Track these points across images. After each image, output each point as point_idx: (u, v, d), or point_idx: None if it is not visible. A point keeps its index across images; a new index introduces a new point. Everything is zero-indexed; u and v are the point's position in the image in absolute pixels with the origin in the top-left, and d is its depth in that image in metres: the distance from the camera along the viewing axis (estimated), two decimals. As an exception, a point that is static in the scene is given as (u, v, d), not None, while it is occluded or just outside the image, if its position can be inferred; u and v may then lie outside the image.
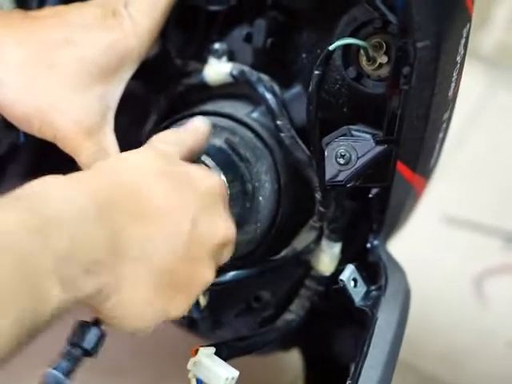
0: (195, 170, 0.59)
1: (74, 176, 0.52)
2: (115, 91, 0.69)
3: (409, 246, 1.37)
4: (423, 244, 1.52)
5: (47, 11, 0.69)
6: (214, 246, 0.57)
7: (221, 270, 0.75)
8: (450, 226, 1.58)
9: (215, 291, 0.76)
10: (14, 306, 0.42)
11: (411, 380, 1.30)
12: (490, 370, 1.34)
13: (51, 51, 0.65)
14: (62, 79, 0.65)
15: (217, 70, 0.77)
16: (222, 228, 0.57)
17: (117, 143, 0.69)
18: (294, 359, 1.01)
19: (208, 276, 0.57)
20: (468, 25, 0.62)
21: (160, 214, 0.53)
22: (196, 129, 0.65)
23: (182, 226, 0.54)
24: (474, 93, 1.79)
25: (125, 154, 0.59)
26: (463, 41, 0.62)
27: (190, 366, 0.61)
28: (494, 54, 1.92)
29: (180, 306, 0.56)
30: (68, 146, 0.66)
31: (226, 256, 0.60)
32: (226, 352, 0.65)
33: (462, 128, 1.74)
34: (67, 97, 0.66)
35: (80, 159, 0.67)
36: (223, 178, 0.67)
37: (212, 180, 0.59)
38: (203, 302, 0.75)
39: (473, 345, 1.37)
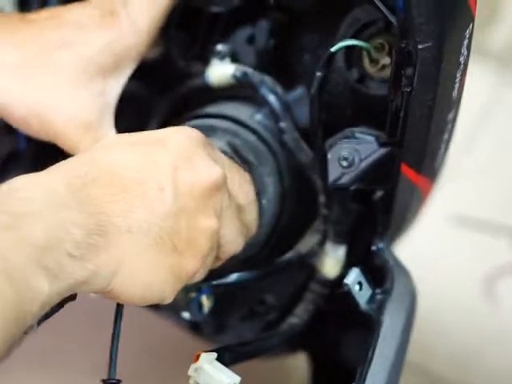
0: (162, 131, 0.59)
1: (48, 169, 0.52)
2: (114, 89, 0.69)
3: (417, 246, 1.36)
4: (431, 244, 1.52)
5: (45, 13, 0.69)
6: (204, 191, 0.55)
7: (224, 273, 0.75)
8: (458, 226, 1.56)
9: (219, 294, 0.76)
10: None
11: (421, 382, 1.29)
12: (502, 370, 1.33)
13: (48, 53, 0.66)
14: (58, 79, 0.66)
15: (219, 71, 0.76)
16: (205, 172, 0.56)
17: None
18: (299, 362, 1.00)
19: (210, 224, 0.56)
20: (471, 25, 0.61)
21: (137, 183, 0.53)
22: None
23: (162, 187, 0.53)
24: (484, 91, 1.78)
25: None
26: (466, 42, 0.61)
27: (191, 371, 0.60)
28: (504, 51, 1.90)
29: (192, 264, 0.55)
30: (68, 143, 0.67)
31: (225, 202, 0.58)
32: (228, 357, 0.64)
33: (470, 127, 1.72)
34: (64, 95, 0.66)
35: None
36: None
37: (181, 133, 0.58)
38: (207, 305, 0.75)
39: (483, 345, 1.36)
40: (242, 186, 0.64)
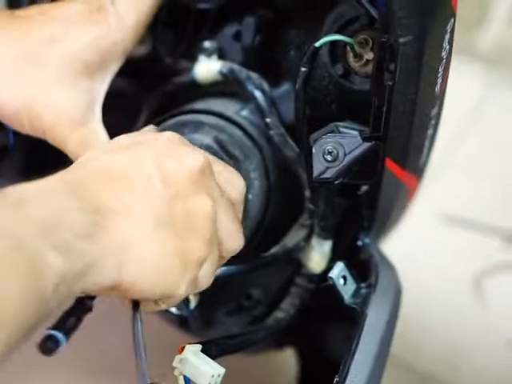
0: (142, 136, 0.61)
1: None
2: (101, 85, 0.70)
3: (408, 244, 1.37)
4: (422, 243, 1.52)
5: (33, 9, 0.69)
6: (191, 176, 0.57)
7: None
8: (449, 225, 1.57)
9: (206, 289, 0.76)
10: (12, 276, 0.42)
11: (409, 379, 1.29)
12: (489, 370, 1.33)
13: (37, 48, 0.67)
14: (47, 75, 0.67)
15: (207, 68, 0.77)
16: (188, 157, 0.58)
17: (106, 133, 0.70)
18: (290, 358, 1.01)
19: (204, 205, 0.57)
20: (452, 20, 0.62)
21: (124, 175, 0.55)
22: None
23: (148, 174, 0.55)
24: (473, 91, 1.79)
25: None
26: (447, 36, 0.62)
27: (175, 363, 0.61)
28: (493, 52, 1.91)
29: (197, 248, 0.56)
30: (56, 137, 0.68)
31: (216, 189, 0.60)
32: (214, 350, 0.64)
33: (460, 126, 1.73)
34: (53, 90, 0.67)
35: (68, 150, 0.68)
36: None
37: (162, 136, 0.60)
38: (194, 300, 0.75)
39: (472, 344, 1.36)
40: (229, 179, 0.64)
